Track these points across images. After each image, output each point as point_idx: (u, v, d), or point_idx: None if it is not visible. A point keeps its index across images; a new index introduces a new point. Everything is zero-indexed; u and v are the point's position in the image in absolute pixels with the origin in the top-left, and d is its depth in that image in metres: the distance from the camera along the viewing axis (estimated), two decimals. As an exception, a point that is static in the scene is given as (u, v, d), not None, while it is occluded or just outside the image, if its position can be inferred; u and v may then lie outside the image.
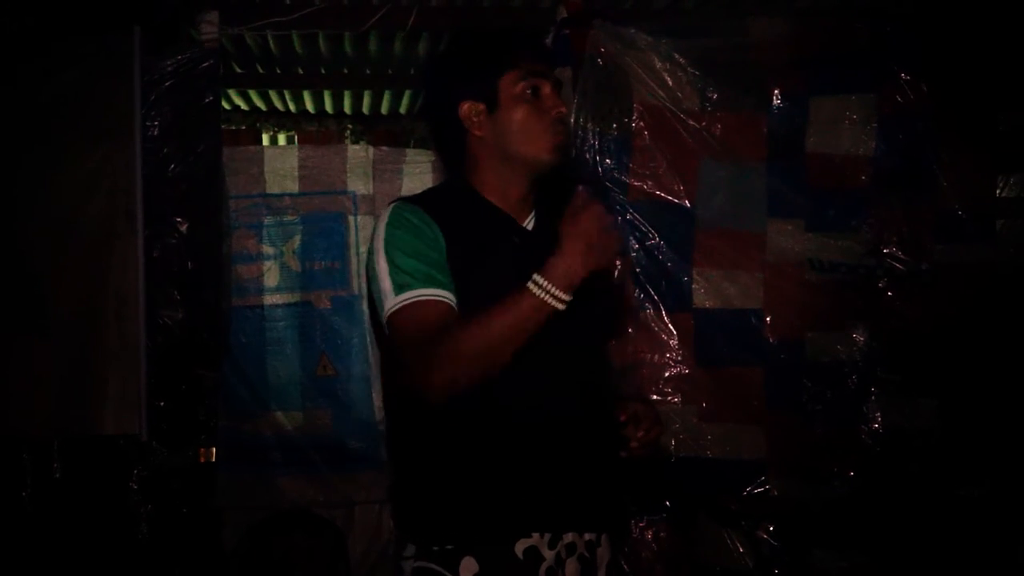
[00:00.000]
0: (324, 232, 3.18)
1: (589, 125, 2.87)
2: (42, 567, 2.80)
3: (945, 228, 2.89)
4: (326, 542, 3.06)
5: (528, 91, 1.67)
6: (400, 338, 1.58)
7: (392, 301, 1.57)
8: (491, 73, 1.67)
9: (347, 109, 4.58)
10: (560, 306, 1.48)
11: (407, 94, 4.35)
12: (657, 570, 2.92)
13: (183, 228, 2.86)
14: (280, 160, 3.19)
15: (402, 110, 4.60)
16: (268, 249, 3.17)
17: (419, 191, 1.88)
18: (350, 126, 4.70)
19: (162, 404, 2.85)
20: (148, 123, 2.82)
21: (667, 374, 2.89)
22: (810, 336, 2.91)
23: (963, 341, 2.86)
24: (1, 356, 2.72)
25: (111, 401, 2.73)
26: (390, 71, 3.97)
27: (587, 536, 1.66)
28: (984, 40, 2.89)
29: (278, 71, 3.93)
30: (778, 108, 2.92)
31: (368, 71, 3.96)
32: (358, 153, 3.24)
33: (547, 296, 1.47)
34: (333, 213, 3.19)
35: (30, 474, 2.87)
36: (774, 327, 2.90)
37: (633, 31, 2.89)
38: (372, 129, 4.68)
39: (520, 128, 1.67)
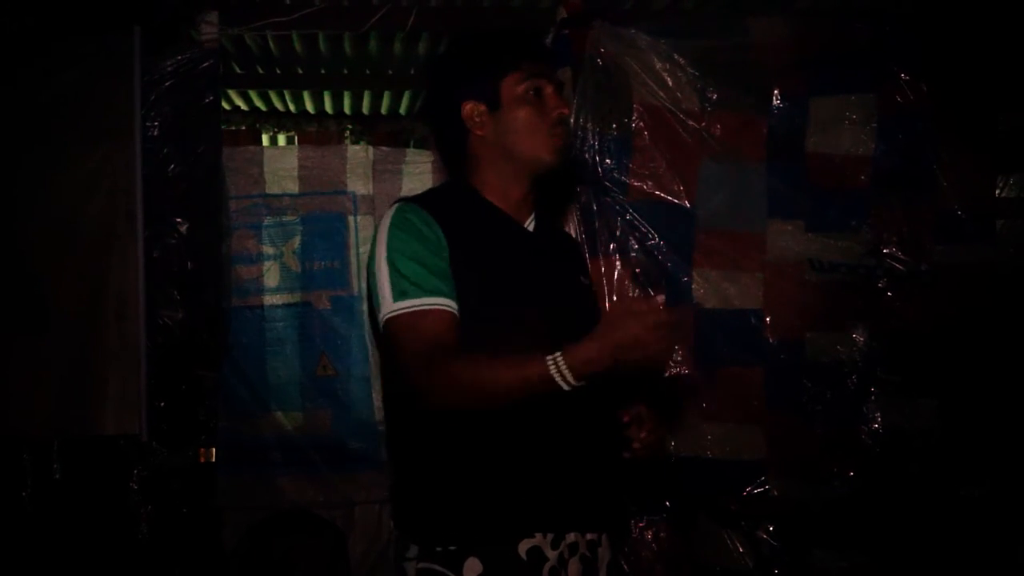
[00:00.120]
0: (324, 232, 3.18)
1: (589, 125, 2.87)
2: (42, 567, 2.79)
3: (945, 228, 2.89)
4: (326, 542, 3.06)
5: (530, 92, 1.67)
6: (397, 345, 1.58)
7: (390, 307, 1.58)
8: (494, 74, 1.68)
9: (347, 109, 4.58)
10: (567, 388, 1.47)
11: (407, 94, 4.35)
12: (657, 570, 2.92)
13: (183, 228, 2.86)
14: (280, 160, 3.19)
15: (402, 110, 4.60)
16: (268, 249, 3.16)
17: (419, 191, 1.88)
18: (350, 126, 4.70)
19: (162, 404, 2.85)
20: (148, 123, 2.81)
21: (667, 374, 2.89)
22: (810, 336, 2.91)
23: (963, 341, 2.86)
24: (1, 356, 2.72)
25: (111, 401, 2.73)
26: (390, 71, 3.97)
27: (589, 536, 1.66)
28: (984, 40, 2.90)
29: (278, 71, 3.92)
30: (778, 108, 2.92)
31: (368, 71, 3.96)
32: (358, 153, 3.24)
33: (558, 376, 1.46)
34: (333, 213, 3.19)
35: (30, 474, 2.87)
36: (774, 327, 2.90)
37: (633, 31, 2.89)
38: (372, 129, 4.67)
39: (522, 128, 1.67)
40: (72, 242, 2.75)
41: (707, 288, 2.90)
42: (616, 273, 2.89)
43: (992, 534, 2.83)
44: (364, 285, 3.04)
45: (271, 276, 3.16)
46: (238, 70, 3.85)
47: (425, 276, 1.57)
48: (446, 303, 1.57)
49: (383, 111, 4.60)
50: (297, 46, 3.54)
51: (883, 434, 2.85)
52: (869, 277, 2.89)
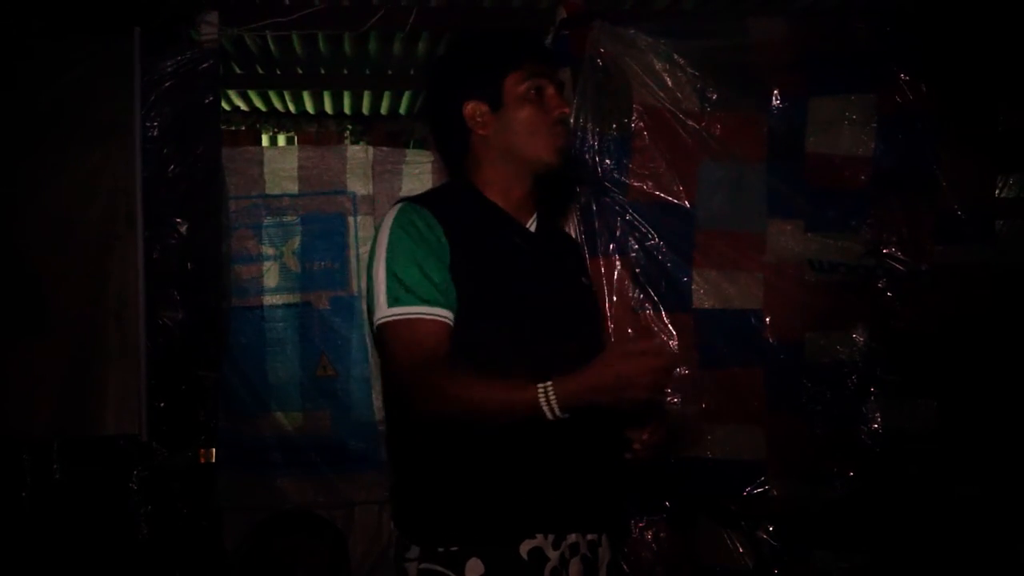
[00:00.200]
0: (324, 233, 3.18)
1: (589, 126, 2.87)
2: (42, 567, 2.79)
3: (945, 228, 2.88)
4: (326, 543, 3.06)
5: (532, 91, 1.68)
6: (387, 351, 1.59)
7: (383, 312, 1.58)
8: (495, 73, 1.68)
9: (347, 109, 4.58)
10: (551, 418, 1.47)
11: (407, 94, 4.35)
12: (657, 570, 2.91)
13: (183, 229, 2.86)
14: (280, 161, 3.19)
15: (402, 110, 4.60)
16: (268, 250, 3.16)
17: (419, 191, 1.88)
18: (350, 126, 4.70)
19: (162, 405, 2.84)
20: (148, 124, 2.81)
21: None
22: (810, 336, 2.90)
23: (963, 341, 2.85)
24: (1, 356, 2.71)
25: (111, 401, 2.73)
26: (390, 71, 3.96)
27: (589, 536, 1.66)
28: (984, 40, 2.89)
29: (278, 72, 3.92)
30: (778, 108, 2.92)
31: (368, 71, 3.96)
32: (358, 154, 3.24)
33: (546, 405, 1.47)
34: (333, 214, 3.19)
35: (30, 474, 2.86)
36: (774, 327, 2.90)
37: (633, 32, 2.89)
38: (372, 129, 4.67)
39: (524, 128, 1.67)
40: (72, 242, 2.75)
41: (707, 288, 2.90)
42: (616, 273, 2.88)
43: (991, 534, 2.83)
44: (364, 285, 3.03)
45: (271, 276, 3.16)
46: (238, 70, 3.85)
47: (421, 283, 1.56)
48: (439, 313, 1.56)
49: (383, 111, 4.60)
50: (297, 46, 3.54)
51: (883, 435, 2.85)
52: (869, 277, 2.89)
